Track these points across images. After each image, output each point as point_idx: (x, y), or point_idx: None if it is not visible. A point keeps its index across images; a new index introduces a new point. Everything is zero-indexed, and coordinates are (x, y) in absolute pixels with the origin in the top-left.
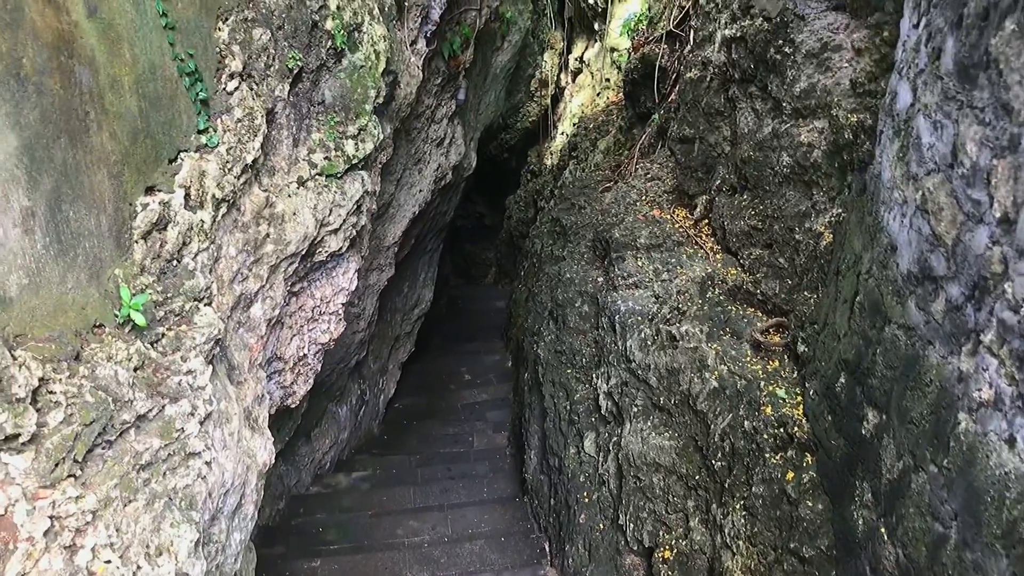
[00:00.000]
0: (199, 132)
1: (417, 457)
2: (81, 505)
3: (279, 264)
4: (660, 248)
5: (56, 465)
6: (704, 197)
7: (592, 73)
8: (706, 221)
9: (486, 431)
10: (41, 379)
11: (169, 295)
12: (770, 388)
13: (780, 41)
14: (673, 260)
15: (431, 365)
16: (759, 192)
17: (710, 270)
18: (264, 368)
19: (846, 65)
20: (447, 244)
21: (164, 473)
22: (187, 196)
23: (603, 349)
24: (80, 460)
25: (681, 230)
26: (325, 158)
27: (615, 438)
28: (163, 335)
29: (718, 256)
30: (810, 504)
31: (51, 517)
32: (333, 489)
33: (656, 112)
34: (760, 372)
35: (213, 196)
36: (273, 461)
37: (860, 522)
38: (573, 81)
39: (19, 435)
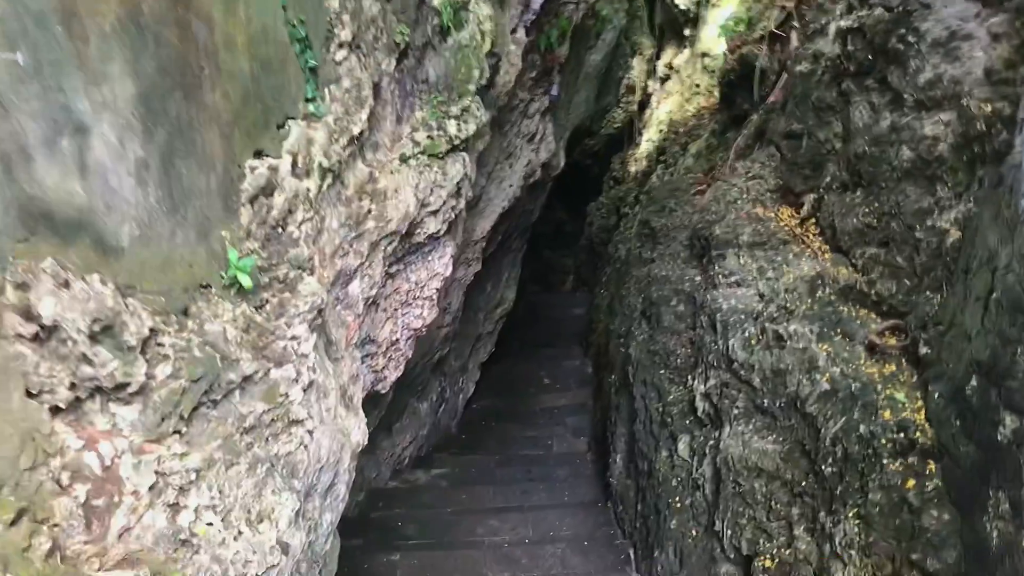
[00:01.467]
0: (307, 100)
1: (496, 458)
2: (185, 463)
3: (379, 242)
4: (764, 246)
5: (163, 419)
6: (811, 195)
7: (682, 79)
8: (813, 219)
9: (565, 435)
10: (152, 329)
11: (274, 262)
12: (888, 391)
13: (903, 30)
14: (779, 258)
15: (510, 368)
16: (874, 189)
17: (819, 269)
18: (360, 349)
19: (979, 53)
20: (527, 249)
21: (267, 438)
22: (294, 163)
23: (701, 349)
24: (186, 417)
25: (786, 228)
26: (428, 137)
27: (712, 441)
28: (267, 300)
29: (827, 255)
30: (935, 514)
31: (156, 472)
32: (412, 485)
33: (754, 113)
34: (876, 375)
35: (320, 165)
36: (366, 442)
37: (995, 534)
38: (661, 87)
39: (128, 385)
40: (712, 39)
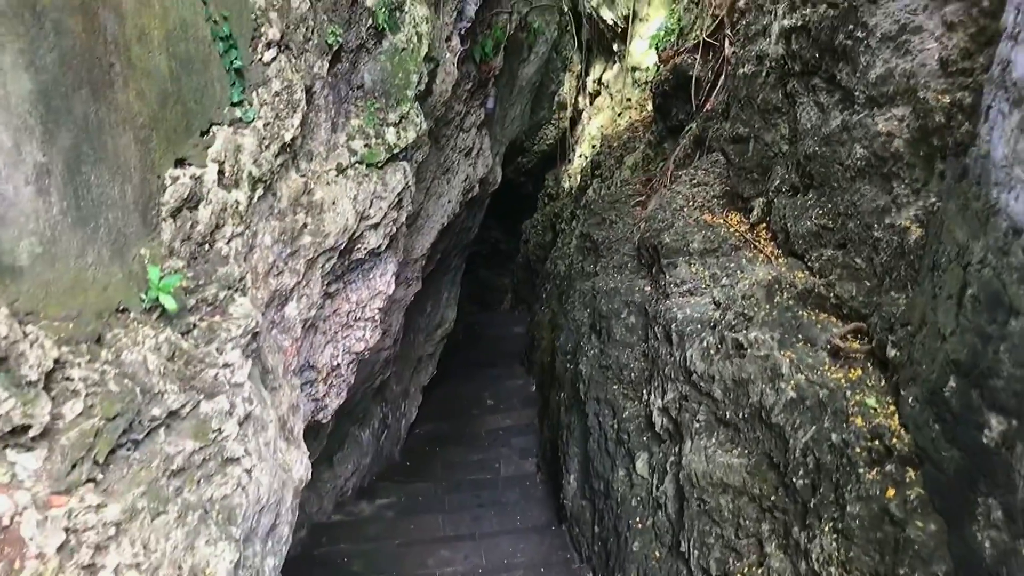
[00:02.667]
0: (233, 104)
1: (443, 484)
2: (102, 516)
3: (317, 259)
4: (715, 253)
5: (73, 466)
6: (760, 199)
7: (612, 94)
8: (763, 224)
9: (512, 457)
10: (57, 361)
11: (201, 282)
12: (858, 397)
13: (850, 26)
14: (732, 265)
15: (452, 390)
16: (826, 190)
17: (774, 274)
18: (298, 376)
19: (932, 45)
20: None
21: (199, 481)
22: (221, 173)
23: (655, 362)
24: (101, 462)
25: (736, 234)
26: (365, 145)
27: (672, 457)
28: (195, 325)
29: (780, 260)
30: (920, 525)
31: (67, 530)
32: (356, 517)
33: (693, 122)
34: (842, 380)
35: (249, 174)
36: (309, 478)
37: (987, 544)
38: (591, 103)
39: (29, 427)
40: (641, 53)
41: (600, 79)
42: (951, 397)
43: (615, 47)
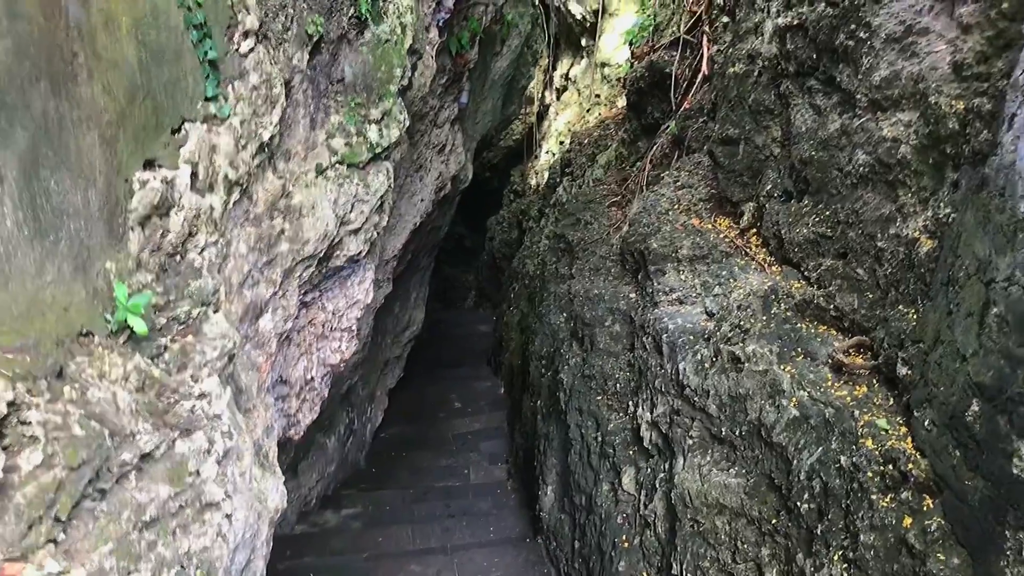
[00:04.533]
0: (208, 99)
1: (411, 492)
2: None
3: (294, 268)
4: (706, 260)
5: (30, 527)
6: (751, 204)
7: (580, 90)
8: (754, 230)
9: (482, 463)
10: (11, 404)
11: (172, 298)
12: (867, 417)
13: (852, 26)
14: (724, 272)
15: (418, 392)
16: (824, 196)
17: (770, 283)
18: (271, 393)
19: (941, 47)
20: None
21: (174, 532)
22: (194, 175)
23: (643, 373)
24: (63, 519)
25: (727, 240)
26: (346, 144)
27: (662, 474)
28: (165, 348)
29: (774, 268)
30: (942, 557)
31: None
32: (321, 528)
33: (670, 120)
34: (848, 399)
35: (225, 177)
36: (285, 505)
37: None
38: (558, 99)
39: None
40: (611, 49)
41: (567, 74)
42: (974, 422)
43: (583, 42)
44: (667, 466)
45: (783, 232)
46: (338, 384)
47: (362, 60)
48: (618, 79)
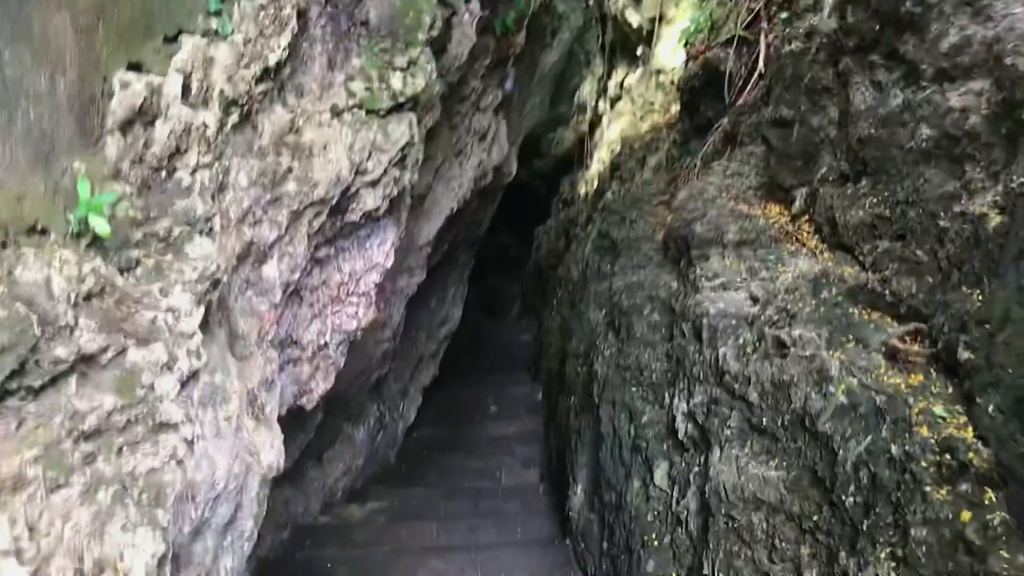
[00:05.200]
0: (210, 14)
1: (440, 491)
2: None
3: (303, 211)
4: (753, 244)
5: None
6: (804, 189)
7: (633, 99)
8: (806, 216)
9: (515, 466)
10: None
11: (153, 214)
12: (922, 404)
13: None
14: (771, 257)
15: (454, 394)
16: (883, 176)
17: (820, 268)
18: (277, 349)
19: (1020, 9)
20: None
21: (120, 449)
22: (186, 87)
23: (681, 362)
24: None
25: (776, 226)
26: (366, 89)
27: (697, 468)
28: (138, 262)
29: (826, 253)
30: (1005, 555)
31: None
32: (345, 521)
33: (724, 117)
34: (902, 386)
35: (221, 93)
36: (282, 467)
37: None
38: (611, 108)
39: None
40: (667, 56)
41: (622, 83)
42: None
43: (639, 50)
44: (702, 459)
45: (837, 216)
46: (366, 372)
47: (389, 4)
48: (672, 83)
